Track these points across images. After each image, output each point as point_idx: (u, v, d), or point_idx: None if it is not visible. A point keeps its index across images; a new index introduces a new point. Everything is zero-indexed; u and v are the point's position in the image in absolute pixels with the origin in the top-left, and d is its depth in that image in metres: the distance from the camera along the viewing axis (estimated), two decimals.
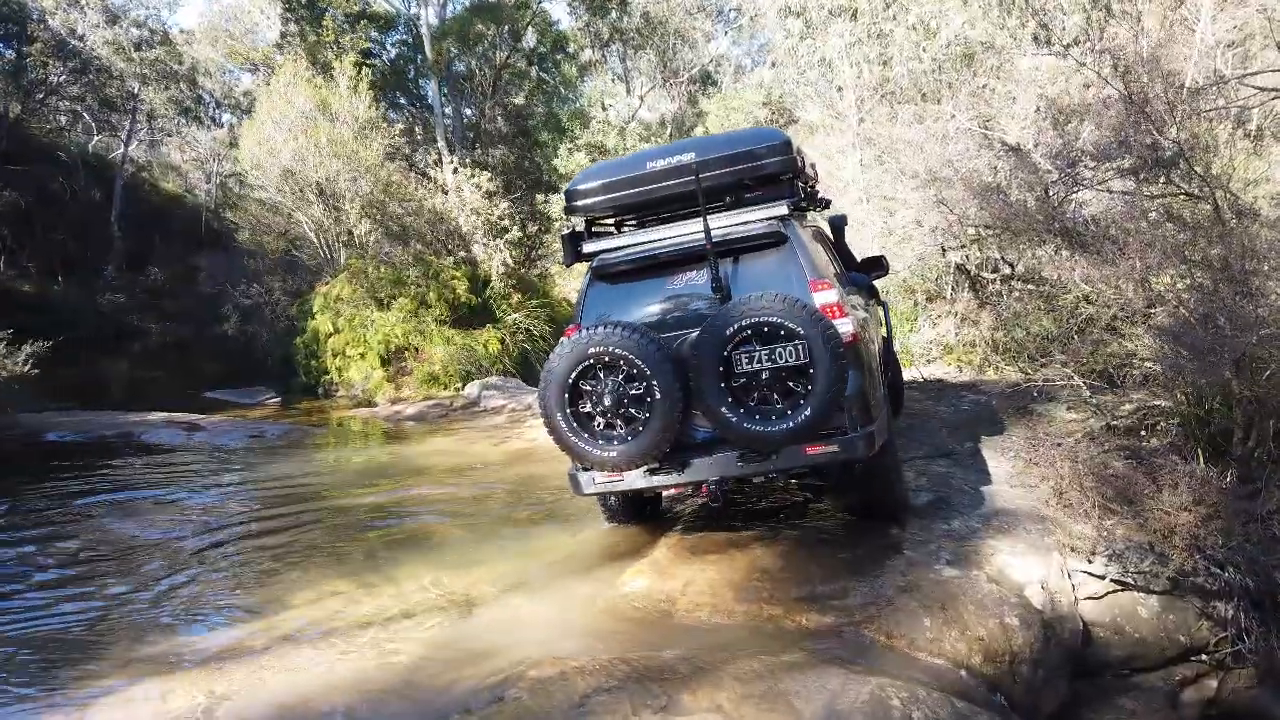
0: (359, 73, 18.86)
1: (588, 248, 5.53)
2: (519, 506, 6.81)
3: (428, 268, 16.70)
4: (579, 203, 5.52)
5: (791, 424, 4.41)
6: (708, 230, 4.85)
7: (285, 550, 5.93)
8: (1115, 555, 5.25)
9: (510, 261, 18.32)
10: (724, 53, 34.43)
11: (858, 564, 4.89)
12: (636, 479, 4.85)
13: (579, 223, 5.87)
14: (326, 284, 17.56)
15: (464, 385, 14.35)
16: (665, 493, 6.28)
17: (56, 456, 9.54)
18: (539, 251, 27.37)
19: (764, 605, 4.37)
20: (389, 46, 28.83)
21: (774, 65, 16.02)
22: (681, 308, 5.13)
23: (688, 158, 5.17)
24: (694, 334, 4.73)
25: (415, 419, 12.33)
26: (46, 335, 17.63)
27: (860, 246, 11.80)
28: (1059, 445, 7.07)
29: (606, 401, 4.59)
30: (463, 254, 17.91)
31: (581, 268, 5.75)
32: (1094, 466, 6.29)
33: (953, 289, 10.51)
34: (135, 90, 25.83)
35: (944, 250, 9.67)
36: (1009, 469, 6.86)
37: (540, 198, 25.19)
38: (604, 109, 28.08)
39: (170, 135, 30.52)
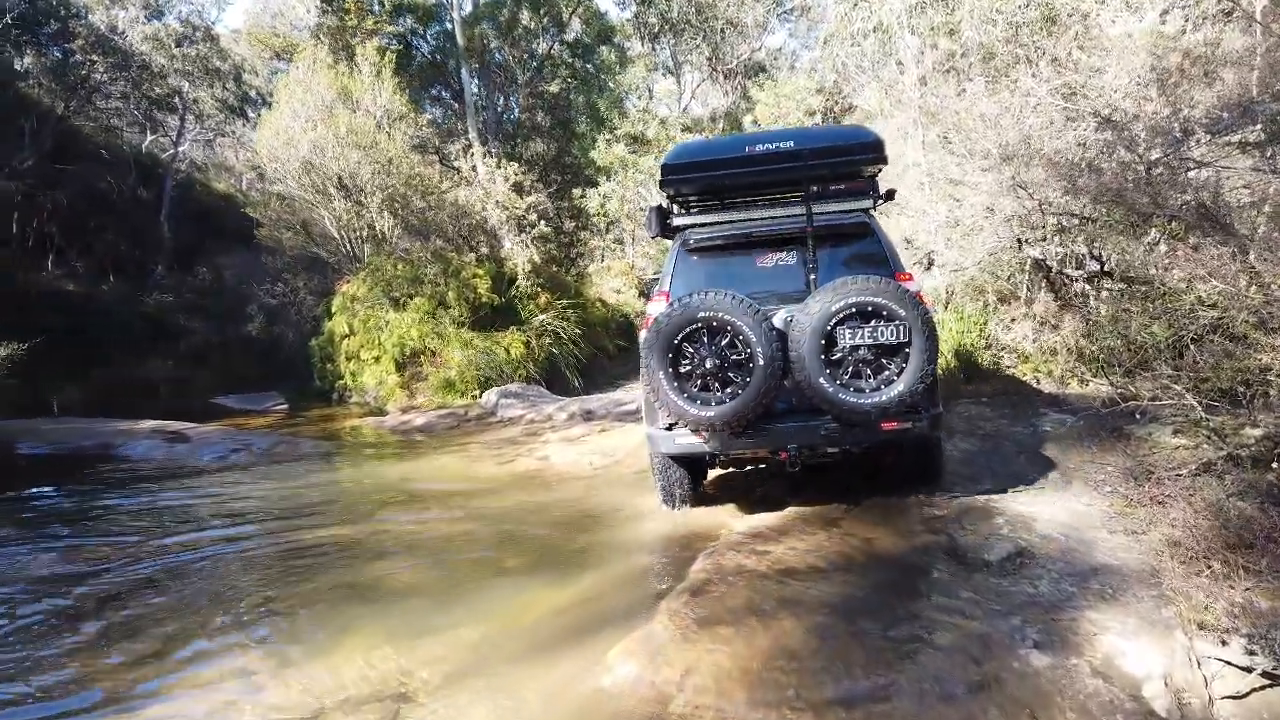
0: (383, 58, 18.12)
1: (677, 222, 6.02)
2: (507, 547, 5.82)
3: (447, 265, 15.81)
4: (675, 177, 5.75)
5: (884, 397, 4.91)
6: (810, 215, 5.47)
7: (200, 604, 4.98)
8: (1260, 637, 4.06)
9: (537, 258, 17.35)
10: (779, 46, 33.32)
11: (913, 644, 3.80)
12: (720, 442, 5.28)
13: (663, 198, 6.32)
14: (348, 282, 16.83)
15: (482, 392, 13.44)
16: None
17: (15, 472, 8.86)
18: (577, 249, 26.51)
19: (787, 711, 3.30)
20: (429, 38, 28.28)
21: (826, 42, 14.79)
22: (771, 284, 5.61)
23: (789, 145, 5.55)
24: (782, 310, 5.30)
25: (423, 430, 11.45)
26: (89, 335, 18.22)
27: (920, 240, 10.63)
28: (1168, 479, 5.89)
29: (708, 364, 5.02)
30: (485, 250, 17.00)
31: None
32: (1219, 510, 5.09)
33: (1029, 288, 9.26)
34: (181, 88, 25.68)
35: (1020, 243, 8.44)
36: (1105, 508, 5.69)
37: (577, 192, 24.29)
38: (650, 95, 27.07)
39: (224, 135, 30.50)
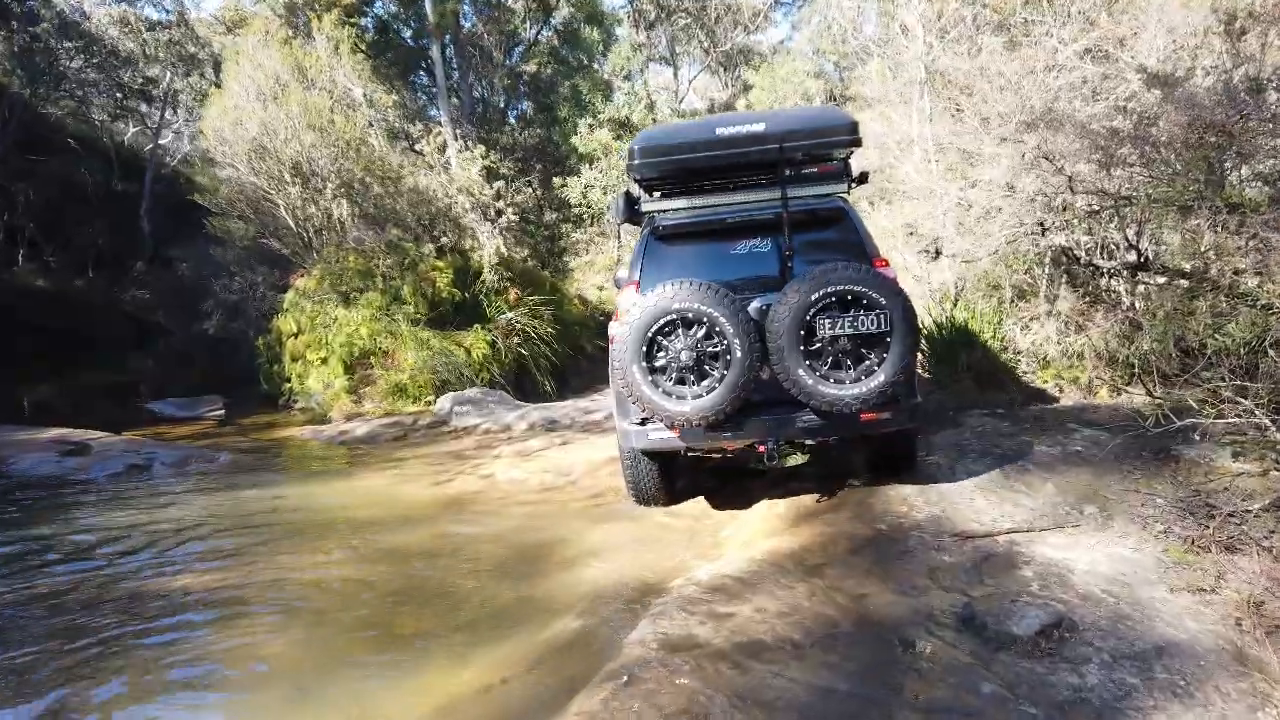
0: (341, 31, 16.99)
1: (646, 207, 5.95)
2: (410, 602, 4.74)
3: (403, 257, 14.66)
4: (641, 161, 5.63)
5: (865, 388, 4.91)
6: (785, 198, 5.41)
7: None
8: None
9: (505, 250, 16.22)
10: (781, 39, 32.37)
11: None
12: (696, 436, 5.23)
13: (631, 184, 6.25)
14: (301, 276, 15.71)
15: (437, 398, 12.32)
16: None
17: None
18: (560, 243, 25.38)
19: None
20: (411, 22, 27.21)
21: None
22: (745, 271, 5.54)
23: (759, 128, 5.48)
24: (757, 299, 5.25)
25: (363, 442, 10.34)
26: (67, 333, 17.40)
27: (926, 227, 9.56)
28: (1237, 518, 4.84)
29: (683, 357, 4.99)
30: (445, 240, 15.85)
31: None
32: None
33: (1051, 283, 8.19)
34: (157, 77, 24.64)
35: (1044, 229, 7.38)
36: (1159, 554, 4.65)
37: (558, 181, 23.21)
38: (643, 74, 25.92)
39: None
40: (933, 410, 8.40)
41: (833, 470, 6.60)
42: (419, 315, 13.83)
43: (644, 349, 5.01)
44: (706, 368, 5.00)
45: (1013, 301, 9.03)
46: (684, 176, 5.89)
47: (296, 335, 14.46)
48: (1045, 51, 7.26)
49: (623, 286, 5.80)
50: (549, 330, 15.29)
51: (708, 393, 4.97)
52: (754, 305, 5.22)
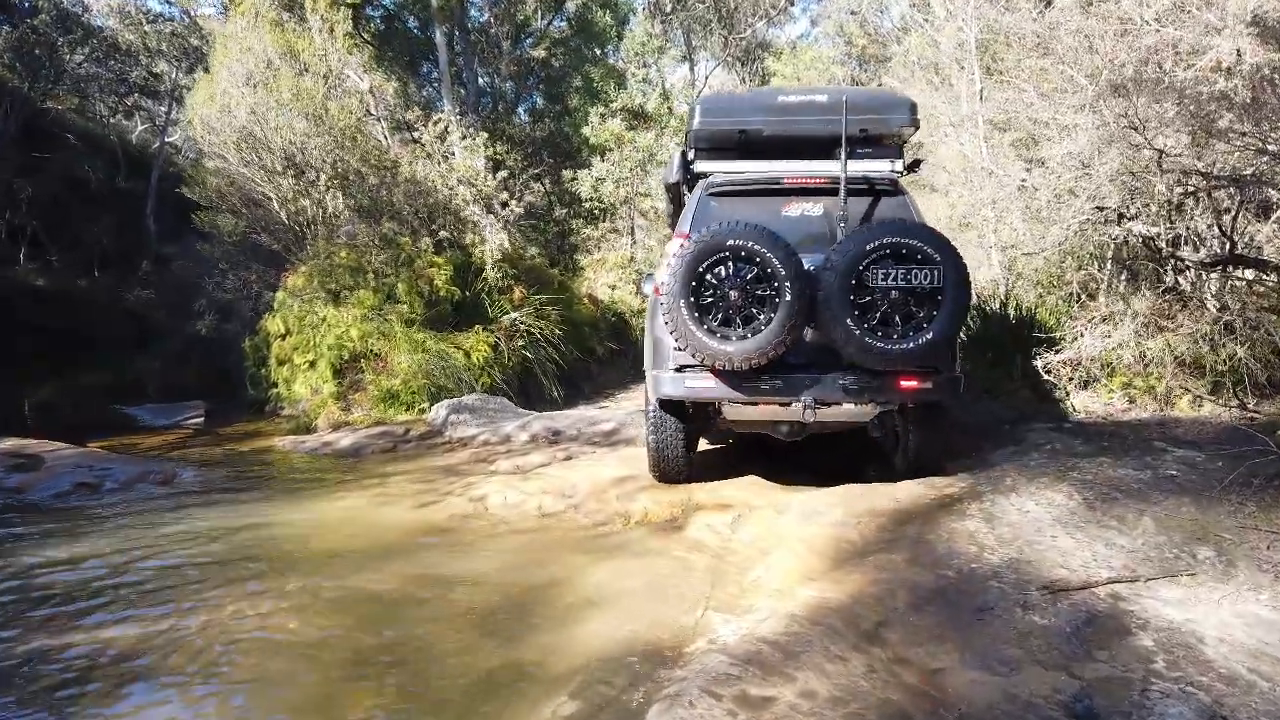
0: (336, 13, 16.19)
1: (699, 167, 6.20)
2: (365, 673, 3.84)
3: (398, 252, 13.81)
4: (702, 121, 5.97)
5: (912, 344, 4.95)
6: (845, 165, 5.47)
7: None
8: None
9: (510, 245, 15.35)
10: (801, 34, 31.55)
11: None
12: (733, 385, 5.27)
13: (687, 146, 6.45)
14: (292, 273, 14.90)
15: (432, 405, 11.47)
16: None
17: None
18: (570, 239, 24.55)
19: None
20: (417, 11, 26.56)
21: None
22: (796, 234, 5.47)
23: (821, 99, 5.84)
24: (806, 258, 5.17)
25: (347, 455, 9.50)
26: (63, 334, 16.93)
27: (980, 216, 8.66)
28: None
29: (732, 295, 5.05)
30: (445, 234, 14.99)
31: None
32: None
33: (1128, 279, 7.26)
34: (159, 71, 24.11)
35: (1121, 216, 6.46)
36: None
37: (568, 175, 22.39)
38: (657, 64, 25.04)
39: None
40: (988, 423, 7.52)
41: (871, 488, 5.75)
42: (414, 315, 12.95)
43: (693, 284, 5.04)
44: (754, 310, 5.05)
45: (1073, 300, 8.13)
46: (742, 140, 6.02)
47: (284, 337, 13.66)
48: (1120, 8, 6.35)
49: (673, 238, 5.92)
50: (556, 332, 14.42)
51: (753, 335, 5.02)
52: (804, 262, 5.21)
